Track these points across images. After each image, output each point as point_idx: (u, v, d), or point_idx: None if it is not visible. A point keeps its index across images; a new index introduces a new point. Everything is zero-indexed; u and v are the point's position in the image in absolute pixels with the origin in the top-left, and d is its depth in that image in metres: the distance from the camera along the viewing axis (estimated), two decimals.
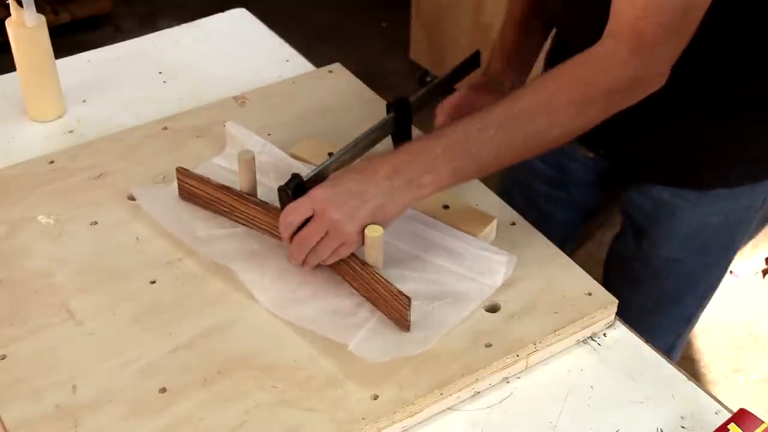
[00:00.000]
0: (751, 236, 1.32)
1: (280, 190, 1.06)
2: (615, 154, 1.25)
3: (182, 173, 1.17)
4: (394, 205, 1.01)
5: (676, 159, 1.19)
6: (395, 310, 1.01)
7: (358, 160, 1.14)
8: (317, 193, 1.01)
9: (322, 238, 1.01)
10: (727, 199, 1.21)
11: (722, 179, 1.19)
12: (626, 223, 1.33)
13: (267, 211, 1.12)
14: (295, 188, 1.05)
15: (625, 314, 1.09)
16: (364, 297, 1.06)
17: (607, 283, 1.12)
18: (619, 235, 1.38)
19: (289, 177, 1.06)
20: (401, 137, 1.21)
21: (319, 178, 1.08)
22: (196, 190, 1.17)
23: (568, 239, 1.46)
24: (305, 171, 1.10)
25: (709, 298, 1.40)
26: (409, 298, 0.99)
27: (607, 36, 1.00)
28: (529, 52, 1.28)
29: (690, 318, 1.41)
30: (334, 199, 0.99)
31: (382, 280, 1.02)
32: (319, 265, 1.07)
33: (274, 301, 1.05)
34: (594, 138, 1.09)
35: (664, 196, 1.23)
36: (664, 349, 1.38)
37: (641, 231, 1.30)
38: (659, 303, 1.35)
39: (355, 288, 1.07)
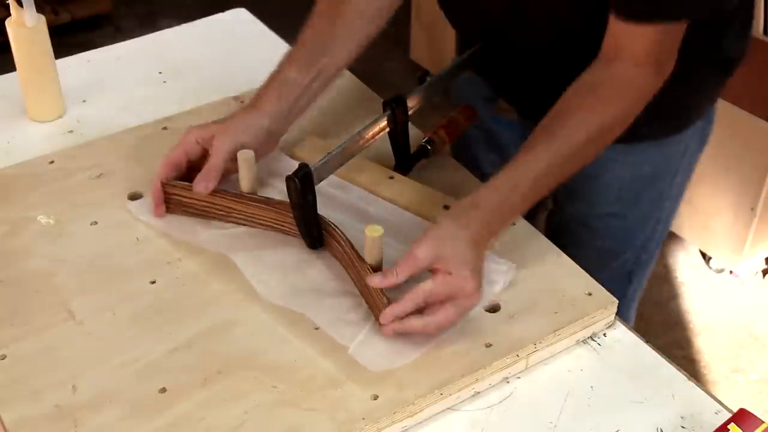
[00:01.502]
0: (681, 186, 1.40)
1: (288, 179, 1.06)
2: (531, 114, 1.23)
3: (167, 185, 1.15)
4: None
5: None
6: (377, 308, 1.01)
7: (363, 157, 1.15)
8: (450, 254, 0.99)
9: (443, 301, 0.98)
10: (655, 148, 1.31)
11: (650, 132, 1.26)
12: (561, 191, 1.35)
13: (271, 207, 1.12)
14: (303, 177, 1.05)
15: None
16: (359, 291, 1.06)
17: None
18: (553, 210, 1.46)
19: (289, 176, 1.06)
20: (398, 135, 1.21)
21: (325, 168, 1.09)
22: (185, 200, 1.15)
23: None
24: None
25: (650, 255, 1.45)
26: (389, 299, 0.99)
27: (624, 60, 1.07)
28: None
29: (631, 276, 1.45)
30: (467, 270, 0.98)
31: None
32: (321, 260, 1.09)
33: (272, 291, 1.06)
34: (513, 99, 1.30)
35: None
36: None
37: (575, 193, 1.36)
38: (600, 260, 1.39)
39: (352, 279, 1.07)
